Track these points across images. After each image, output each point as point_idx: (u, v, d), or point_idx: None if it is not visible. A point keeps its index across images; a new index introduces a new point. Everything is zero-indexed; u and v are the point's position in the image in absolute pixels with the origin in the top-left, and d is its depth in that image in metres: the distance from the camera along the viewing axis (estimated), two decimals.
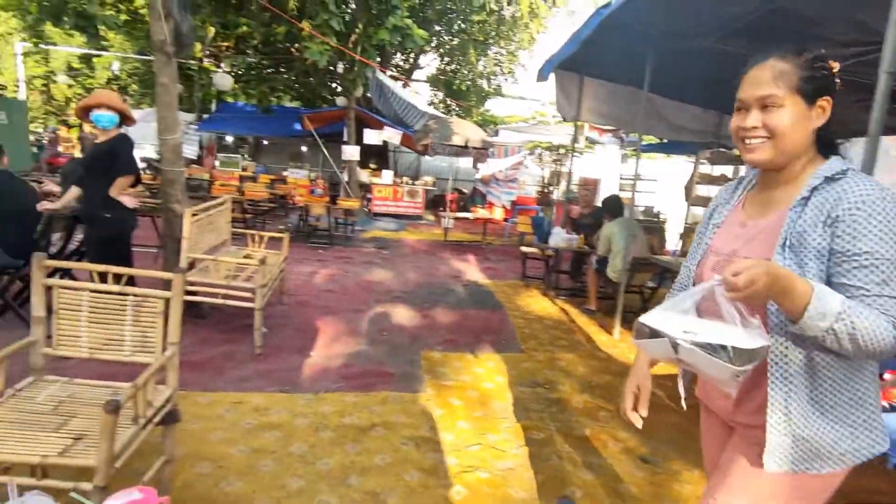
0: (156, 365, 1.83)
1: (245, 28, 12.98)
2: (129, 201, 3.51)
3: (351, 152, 11.29)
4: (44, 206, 3.61)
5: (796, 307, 1.00)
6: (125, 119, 3.61)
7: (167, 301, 1.99)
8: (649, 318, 1.08)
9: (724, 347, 0.97)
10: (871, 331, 0.97)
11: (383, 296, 5.59)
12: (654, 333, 1.05)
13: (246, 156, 17.45)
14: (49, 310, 2.00)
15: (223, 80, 10.50)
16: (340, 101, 12.68)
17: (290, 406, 2.98)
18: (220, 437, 2.57)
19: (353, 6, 11.04)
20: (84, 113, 3.49)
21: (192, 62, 14.45)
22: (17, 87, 17.51)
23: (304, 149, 16.94)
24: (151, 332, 2.00)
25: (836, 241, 1.05)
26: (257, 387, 3.19)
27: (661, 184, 10.36)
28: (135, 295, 1.99)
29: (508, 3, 14.28)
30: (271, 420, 2.80)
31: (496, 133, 13.80)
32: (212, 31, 12.94)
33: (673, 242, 8.52)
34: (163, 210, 3.91)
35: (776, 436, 1.11)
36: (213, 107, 16.39)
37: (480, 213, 11.27)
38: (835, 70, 1.14)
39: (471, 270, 7.38)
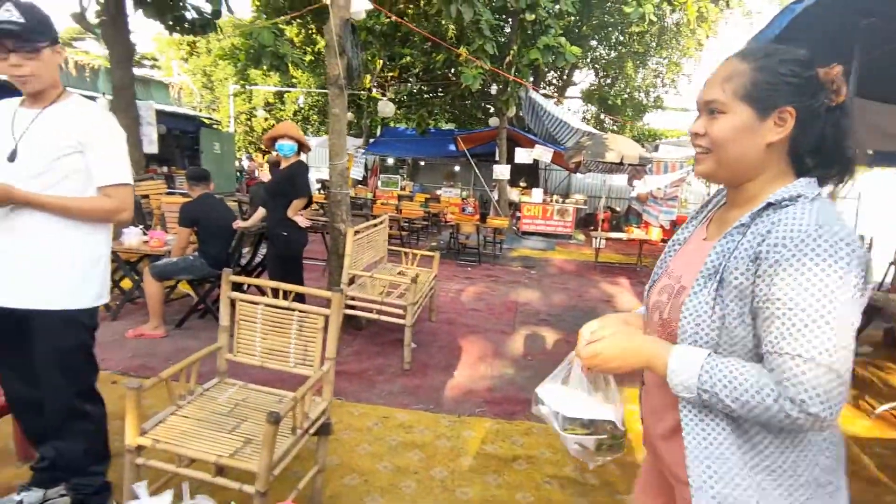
0: (312, 380, 1.95)
1: (408, 59, 14.03)
2: (301, 221, 3.91)
3: (501, 171, 11.41)
4: (237, 224, 4.19)
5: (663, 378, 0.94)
6: (302, 147, 4.04)
7: (327, 318, 2.11)
8: (543, 388, 1.04)
9: (556, 414, 0.95)
10: (743, 402, 0.85)
11: (529, 317, 5.46)
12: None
13: (405, 176, 18.67)
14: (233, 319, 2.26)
15: (385, 107, 11.38)
16: (493, 121, 12.93)
17: (433, 426, 3.00)
18: (367, 451, 2.67)
19: (508, 29, 11.25)
20: (270, 142, 3.99)
21: (362, 92, 15.99)
22: (229, 122, 21.03)
23: (457, 168, 17.59)
24: (312, 347, 2.14)
25: (756, 282, 0.88)
26: (404, 403, 3.28)
27: (866, 202, 8.68)
28: (300, 311, 2.15)
29: (673, 11, 13.33)
30: (415, 439, 2.84)
31: (655, 148, 12.88)
32: (380, 63, 14.22)
33: (880, 273, 7.03)
34: (330, 228, 4.28)
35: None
36: (378, 132, 17.88)
37: (635, 233, 10.53)
38: (829, 76, 0.93)
39: (623, 295, 6.89)
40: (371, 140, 17.02)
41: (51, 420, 1.88)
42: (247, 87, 20.39)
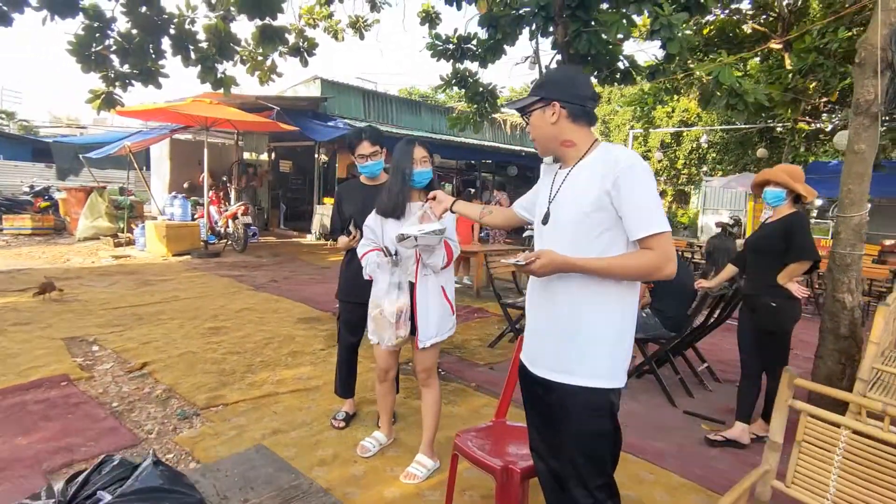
0: None
1: None
2: (797, 290, 3.05)
3: None
4: (700, 283, 3.65)
5: None
6: (798, 195, 3.19)
7: None
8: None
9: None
10: None
11: None
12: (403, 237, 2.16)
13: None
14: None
15: (841, 139, 9.03)
16: None
17: None
18: None
19: None
20: (757, 189, 3.31)
21: (778, 125, 13.51)
22: None
23: None
24: None
25: None
26: None
27: None
28: None
29: None
30: None
31: None
32: (812, 85, 11.61)
33: None
34: (827, 299, 3.26)
35: None
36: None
37: None
38: None
39: None
40: None
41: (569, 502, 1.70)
42: (650, 129, 20.46)
